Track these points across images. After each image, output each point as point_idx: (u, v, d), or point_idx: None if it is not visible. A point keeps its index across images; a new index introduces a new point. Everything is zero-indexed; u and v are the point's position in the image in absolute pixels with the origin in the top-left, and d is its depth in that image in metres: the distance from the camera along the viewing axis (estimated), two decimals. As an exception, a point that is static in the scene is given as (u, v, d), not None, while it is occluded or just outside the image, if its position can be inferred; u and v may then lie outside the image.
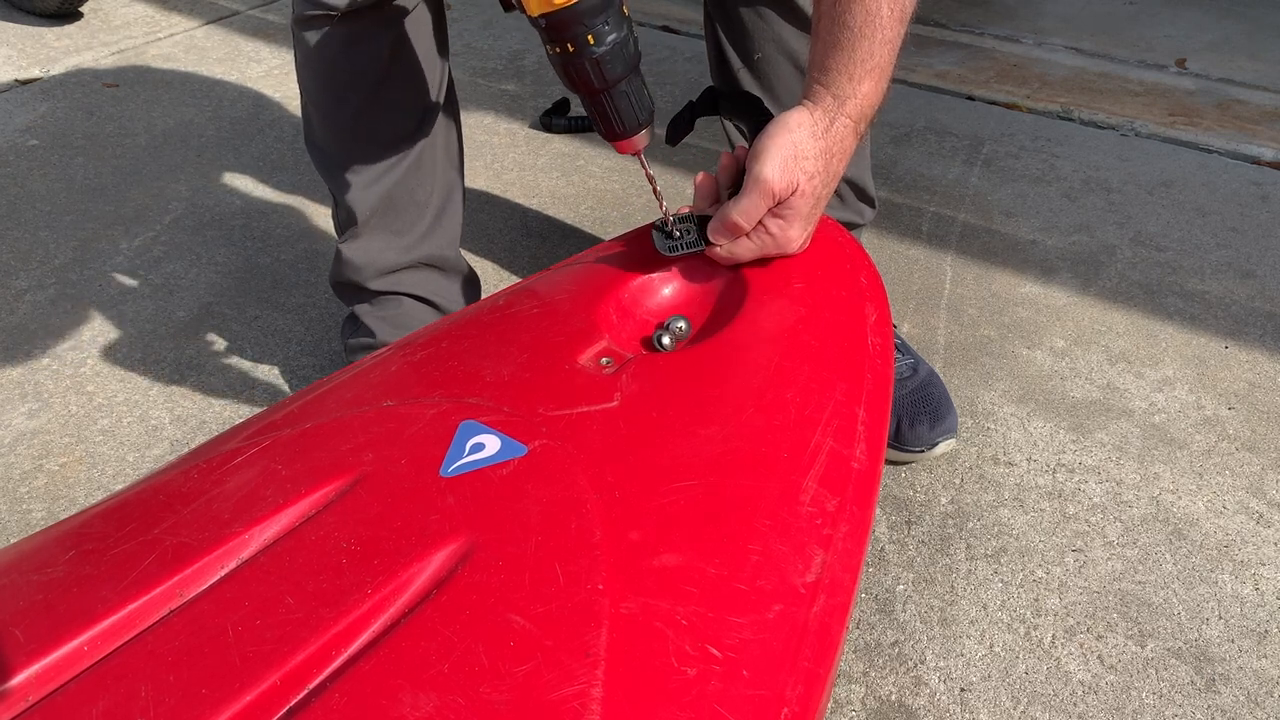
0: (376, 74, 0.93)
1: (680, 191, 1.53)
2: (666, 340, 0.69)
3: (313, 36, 0.90)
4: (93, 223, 1.47)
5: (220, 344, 1.23)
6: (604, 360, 0.66)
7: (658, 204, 0.74)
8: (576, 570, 0.48)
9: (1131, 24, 2.15)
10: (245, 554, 0.51)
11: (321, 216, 1.49)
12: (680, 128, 0.80)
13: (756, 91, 0.97)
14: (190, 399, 1.14)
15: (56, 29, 2.10)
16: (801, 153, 0.69)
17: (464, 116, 1.14)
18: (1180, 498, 1.01)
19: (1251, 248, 1.40)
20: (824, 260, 0.75)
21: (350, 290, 1.07)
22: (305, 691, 0.44)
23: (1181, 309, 1.28)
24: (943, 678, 0.85)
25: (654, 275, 0.75)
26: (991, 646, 0.87)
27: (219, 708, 0.43)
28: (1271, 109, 1.78)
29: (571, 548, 0.50)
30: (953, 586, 0.92)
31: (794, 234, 0.71)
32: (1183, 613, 0.90)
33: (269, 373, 1.19)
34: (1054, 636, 0.88)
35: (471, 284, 1.15)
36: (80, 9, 2.15)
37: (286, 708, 0.43)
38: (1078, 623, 0.89)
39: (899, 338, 1.12)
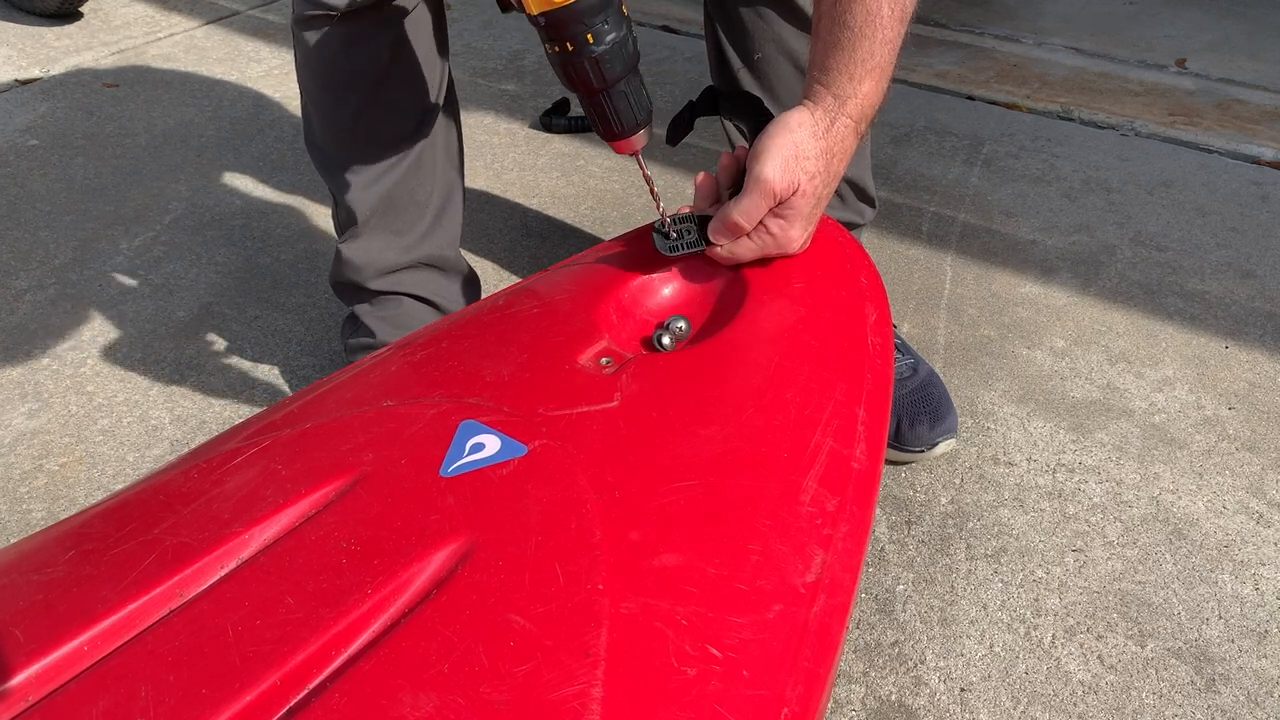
0: (376, 74, 0.93)
1: (680, 191, 1.53)
2: (666, 340, 0.69)
3: (312, 36, 0.90)
4: (93, 223, 1.47)
5: (220, 344, 1.23)
6: (604, 360, 0.66)
7: (655, 205, 0.74)
8: (576, 570, 0.48)
9: (1131, 24, 2.15)
10: (245, 554, 0.51)
11: (321, 216, 1.49)
12: (680, 128, 0.80)
13: (756, 91, 0.97)
14: (190, 399, 1.14)
15: (56, 29, 2.10)
16: (802, 153, 0.69)
17: (464, 116, 1.14)
18: (1180, 498, 1.01)
19: (1251, 248, 1.40)
20: (824, 260, 0.75)
21: (350, 290, 1.07)
22: (305, 691, 0.44)
23: (1181, 309, 1.28)
24: (943, 678, 0.85)
25: (654, 275, 0.75)
26: (991, 646, 0.87)
27: (219, 708, 0.43)
28: (1271, 109, 1.78)
29: (571, 548, 0.50)
30: (953, 586, 0.92)
31: (795, 234, 0.71)
32: (1183, 613, 0.90)
33: (269, 373, 1.19)
34: (1054, 636, 0.88)
35: (471, 284, 1.15)
36: (80, 9, 2.15)
37: (286, 708, 0.43)
38: (1078, 623, 0.89)
39: (899, 338, 1.12)
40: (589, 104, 0.69)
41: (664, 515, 0.52)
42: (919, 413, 1.03)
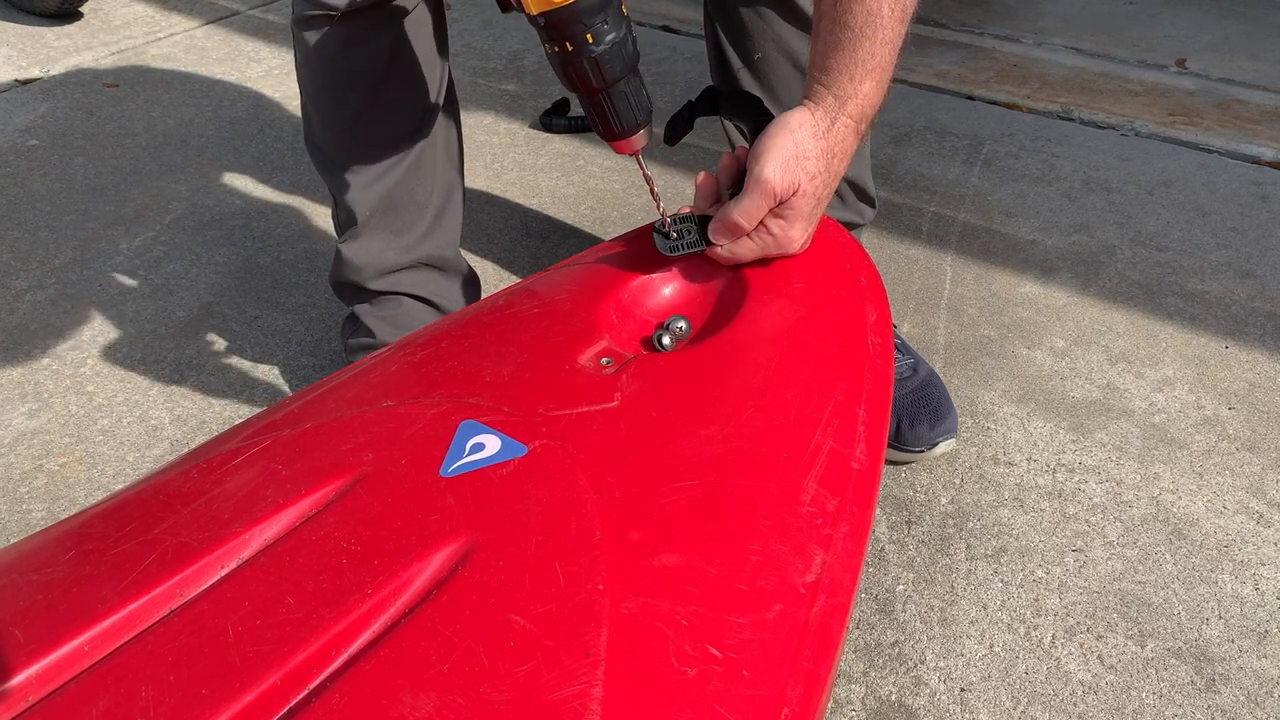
0: (376, 74, 0.93)
1: (680, 191, 1.53)
2: (666, 340, 0.69)
3: (312, 36, 0.90)
4: (93, 223, 1.47)
5: (220, 344, 1.23)
6: (604, 360, 0.66)
7: (655, 205, 0.74)
8: (576, 570, 0.48)
9: (1131, 24, 2.15)
10: (245, 554, 0.51)
11: (321, 216, 1.49)
12: (680, 128, 0.80)
13: (756, 91, 0.97)
14: (190, 399, 1.14)
15: (56, 29, 2.10)
16: (803, 153, 0.69)
17: (464, 116, 1.14)
18: (1180, 498, 1.01)
19: (1251, 248, 1.40)
20: (824, 260, 0.75)
21: (350, 290, 1.07)
22: (305, 691, 0.44)
23: (1181, 309, 1.28)
24: (943, 678, 0.85)
25: (654, 275, 0.75)
26: (991, 646, 0.87)
27: (219, 708, 0.43)
28: (1271, 109, 1.78)
29: (571, 548, 0.50)
30: (953, 586, 0.92)
31: (795, 234, 0.71)
32: (1183, 613, 0.90)
33: (269, 373, 1.19)
34: (1054, 636, 0.88)
35: (471, 284, 1.15)
36: (80, 9, 2.15)
37: (287, 708, 0.43)
38: (1078, 623, 0.89)
39: (899, 338, 1.12)
40: (589, 104, 0.69)
41: (664, 515, 0.52)
42: (919, 413, 1.03)
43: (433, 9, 0.95)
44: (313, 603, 0.48)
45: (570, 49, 0.64)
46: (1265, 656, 0.86)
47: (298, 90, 1.00)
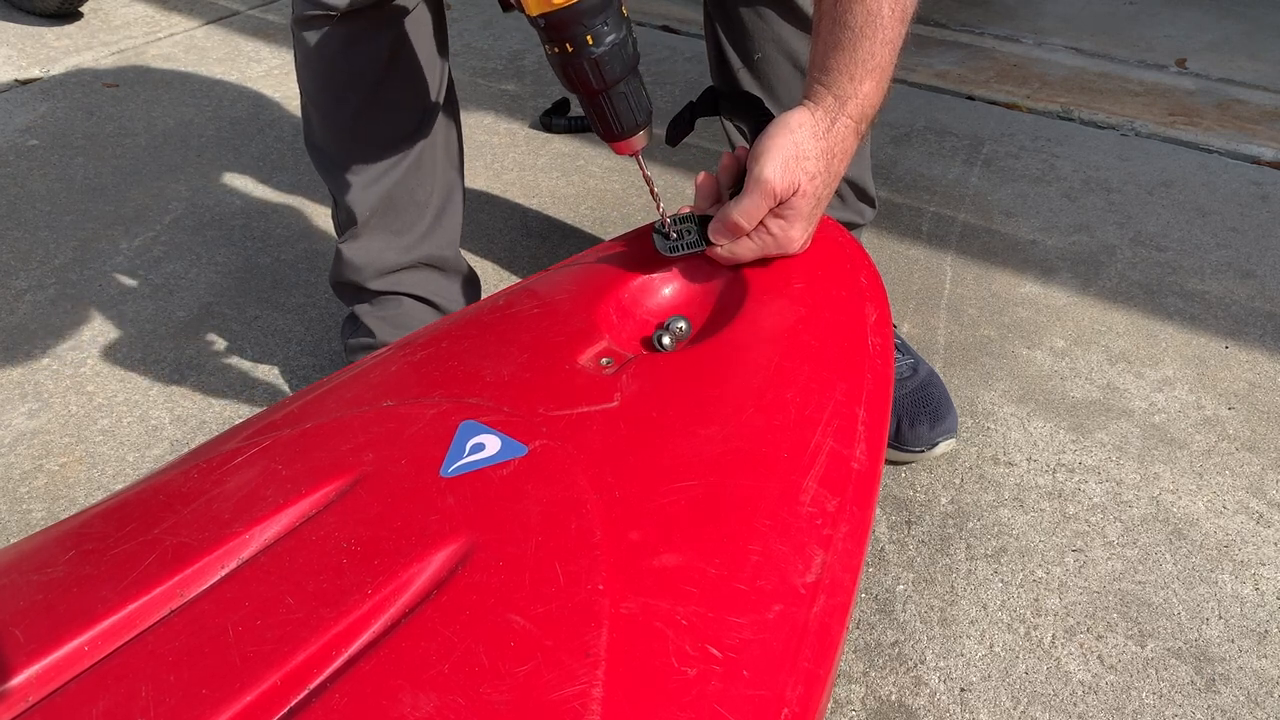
0: (376, 74, 0.93)
1: (680, 192, 1.53)
2: (666, 340, 0.69)
3: (312, 36, 0.90)
4: (93, 223, 1.47)
5: (220, 344, 1.23)
6: (604, 360, 0.66)
7: (655, 205, 0.74)
8: (576, 570, 0.48)
9: (1131, 24, 2.15)
10: (245, 554, 0.51)
11: (321, 216, 1.49)
12: (680, 128, 0.80)
13: (756, 91, 0.97)
14: (190, 399, 1.14)
15: (56, 29, 2.10)
16: (803, 153, 0.69)
17: (464, 116, 1.14)
18: (1180, 498, 1.01)
19: (1251, 248, 1.40)
20: (824, 260, 0.75)
21: (350, 290, 1.07)
22: (305, 692, 0.44)
23: (1181, 309, 1.28)
24: (943, 678, 0.85)
25: (654, 275, 0.75)
26: (991, 646, 0.87)
27: (219, 708, 0.43)
28: (1271, 109, 1.78)
29: (571, 548, 0.50)
30: (953, 586, 0.92)
31: (795, 234, 0.71)
32: (1183, 613, 0.90)
33: (269, 373, 1.19)
34: (1054, 636, 0.88)
35: (471, 284, 1.15)
36: (80, 9, 2.15)
37: (287, 708, 0.43)
38: (1078, 623, 0.89)
39: (899, 338, 1.12)
40: (589, 105, 0.69)
41: (664, 515, 0.52)
42: (919, 413, 1.03)
43: (433, 9, 0.95)
44: (313, 603, 0.48)
45: (570, 50, 0.64)
46: (1265, 656, 0.86)
47: (298, 90, 1.00)
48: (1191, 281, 1.33)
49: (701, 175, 0.76)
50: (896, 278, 1.34)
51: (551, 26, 0.63)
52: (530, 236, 1.46)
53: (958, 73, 1.94)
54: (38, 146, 1.66)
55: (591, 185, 1.57)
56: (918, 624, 0.89)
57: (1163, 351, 1.21)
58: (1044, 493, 1.02)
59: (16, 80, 1.88)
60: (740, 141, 1.00)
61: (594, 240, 1.45)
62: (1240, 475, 1.04)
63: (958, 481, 1.03)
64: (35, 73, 1.91)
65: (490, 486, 0.54)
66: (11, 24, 2.11)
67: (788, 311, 0.69)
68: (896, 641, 0.88)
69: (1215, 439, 1.08)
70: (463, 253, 1.12)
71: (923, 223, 1.46)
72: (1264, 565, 0.94)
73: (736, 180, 0.73)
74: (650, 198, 0.91)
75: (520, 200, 1.54)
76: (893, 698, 0.83)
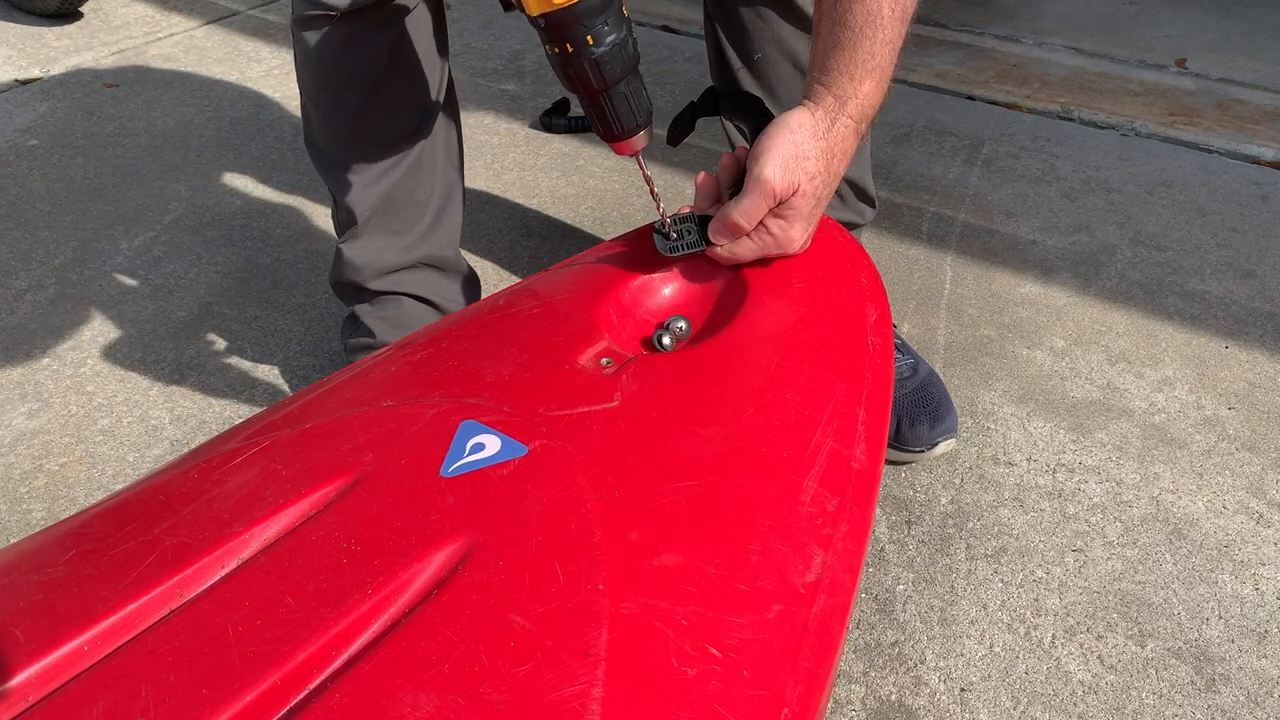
0: (376, 74, 0.93)
1: (680, 192, 1.54)
2: (666, 340, 0.69)
3: (312, 36, 0.90)
4: (93, 223, 1.47)
5: (220, 344, 1.23)
6: (604, 360, 0.66)
7: (655, 205, 0.74)
8: (576, 570, 0.48)
9: (1131, 24, 2.15)
10: (245, 554, 0.51)
11: (321, 216, 1.49)
12: (681, 128, 0.80)
13: (756, 91, 0.97)
14: (190, 399, 1.14)
15: (56, 29, 2.10)
16: (803, 153, 0.69)
17: (464, 116, 1.14)
18: (1180, 498, 1.01)
19: (1251, 248, 1.40)
20: (824, 260, 0.75)
21: (350, 290, 1.07)
22: (305, 692, 0.44)
23: (1181, 309, 1.28)
24: (943, 678, 0.85)
25: (654, 275, 0.75)
26: (991, 646, 0.87)
27: (219, 708, 0.43)
28: (1271, 109, 1.78)
29: (571, 548, 0.50)
30: (953, 586, 0.92)
31: (795, 234, 0.71)
32: (1183, 613, 0.90)
33: (269, 373, 1.19)
34: (1054, 636, 0.88)
35: (471, 284, 1.15)
36: (80, 9, 2.15)
37: (287, 708, 0.43)
38: (1078, 623, 0.89)
39: (899, 338, 1.12)
40: (589, 105, 0.69)
41: (664, 515, 0.52)
42: (919, 413, 1.03)
43: (433, 9, 0.95)
44: (313, 603, 0.48)
45: (571, 50, 0.64)
46: (1265, 656, 0.86)
47: (298, 90, 1.00)
48: (1191, 281, 1.33)
49: (701, 175, 0.76)
50: (896, 278, 1.34)
51: (552, 26, 0.63)
52: (530, 236, 1.46)
53: (958, 73, 1.94)
54: (38, 146, 1.66)
55: (591, 185, 1.57)
56: (918, 624, 0.89)
57: (1163, 351, 1.21)
58: (1044, 493, 1.02)
59: (16, 80, 1.88)
60: (740, 141, 1.00)
61: (594, 240, 1.45)
62: (1240, 475, 1.04)
63: (958, 481, 1.03)
64: (35, 73, 1.91)
65: (490, 486, 0.54)
66: (11, 24, 2.11)
67: (788, 311, 0.69)
68: (896, 641, 0.88)
69: (1215, 439, 1.08)
70: (463, 253, 1.12)
71: (923, 223, 1.46)
72: (1264, 565, 0.94)
73: (736, 180, 0.73)
74: (650, 198, 0.91)
75: (520, 200, 1.54)
76: (893, 698, 0.83)
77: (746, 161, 0.71)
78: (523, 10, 0.63)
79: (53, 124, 1.73)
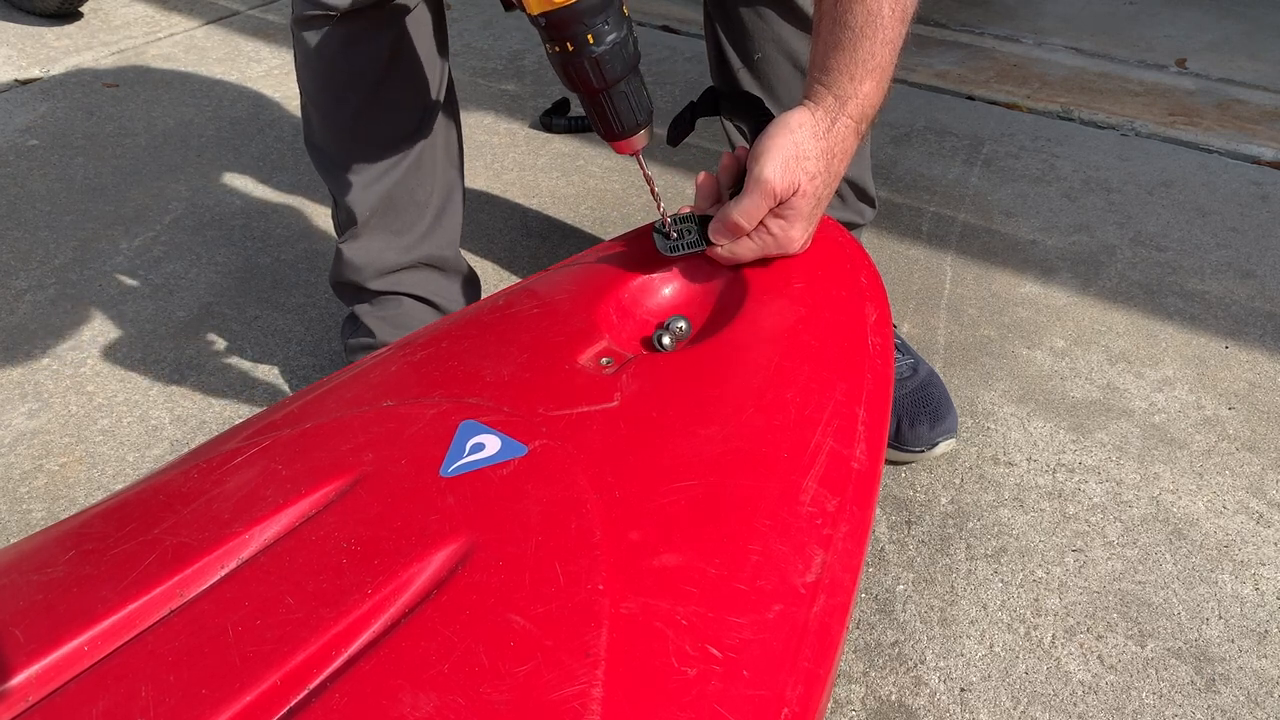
0: (376, 74, 0.93)
1: (680, 192, 1.53)
2: (666, 340, 0.69)
3: (312, 37, 0.90)
4: (93, 223, 1.47)
5: (220, 344, 1.23)
6: (604, 360, 0.66)
7: (655, 205, 0.74)
8: (576, 570, 0.48)
9: (1131, 24, 2.15)
10: (245, 554, 0.51)
11: (321, 216, 1.49)
12: (681, 128, 0.80)
13: (756, 91, 0.97)
14: (190, 399, 1.14)
15: (56, 29, 2.10)
16: (803, 153, 0.69)
17: (464, 116, 1.14)
18: (1180, 498, 1.01)
19: (1251, 248, 1.40)
20: (824, 260, 0.75)
21: (350, 290, 1.07)
22: (305, 692, 0.44)
23: (1181, 309, 1.28)
24: (943, 678, 0.85)
25: (654, 275, 0.75)
26: (991, 646, 0.87)
27: (219, 708, 0.43)
28: (1271, 109, 1.78)
29: (571, 548, 0.50)
30: (953, 586, 0.92)
31: (795, 234, 0.71)
32: (1183, 613, 0.90)
33: (269, 373, 1.19)
34: (1054, 636, 0.88)
35: (471, 284, 1.15)
36: (80, 9, 2.15)
37: (287, 708, 0.43)
38: (1078, 623, 0.89)
39: (899, 338, 1.12)
40: (589, 104, 0.69)
41: (664, 515, 0.52)
42: (919, 413, 1.03)
43: (433, 9, 0.95)
44: (313, 603, 0.48)
45: (571, 49, 0.64)
46: (1265, 656, 0.86)
47: (298, 90, 1.00)
48: (1191, 281, 1.33)
49: (701, 175, 0.76)
50: (896, 278, 1.34)
51: (552, 25, 0.63)
52: (530, 236, 1.46)
53: (958, 73, 1.94)
54: (38, 146, 1.66)
55: (591, 185, 1.57)
56: (918, 624, 0.89)
57: (1163, 351, 1.21)
58: (1044, 493, 1.02)
59: (16, 80, 1.88)
60: (740, 141, 1.00)
61: (594, 240, 1.45)
62: (1240, 475, 1.04)
63: (958, 481, 1.03)
64: (35, 73, 1.91)
65: (490, 486, 0.54)
66: (11, 24, 2.11)
67: (788, 311, 0.69)
68: (896, 641, 0.88)
69: (1215, 439, 1.08)
70: (463, 253, 1.12)
71: (923, 223, 1.46)
72: (1264, 565, 0.94)
73: (736, 180, 0.73)
74: (650, 197, 0.91)
75: (520, 200, 1.54)
76: (893, 698, 0.83)
77: (747, 161, 0.71)
78: (523, 9, 0.63)
79: (53, 124, 1.73)
